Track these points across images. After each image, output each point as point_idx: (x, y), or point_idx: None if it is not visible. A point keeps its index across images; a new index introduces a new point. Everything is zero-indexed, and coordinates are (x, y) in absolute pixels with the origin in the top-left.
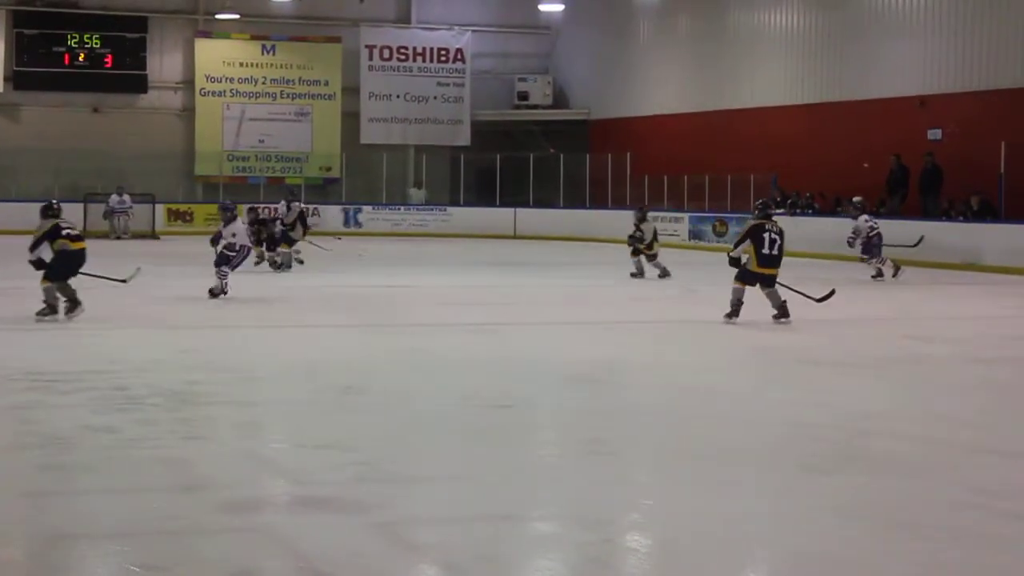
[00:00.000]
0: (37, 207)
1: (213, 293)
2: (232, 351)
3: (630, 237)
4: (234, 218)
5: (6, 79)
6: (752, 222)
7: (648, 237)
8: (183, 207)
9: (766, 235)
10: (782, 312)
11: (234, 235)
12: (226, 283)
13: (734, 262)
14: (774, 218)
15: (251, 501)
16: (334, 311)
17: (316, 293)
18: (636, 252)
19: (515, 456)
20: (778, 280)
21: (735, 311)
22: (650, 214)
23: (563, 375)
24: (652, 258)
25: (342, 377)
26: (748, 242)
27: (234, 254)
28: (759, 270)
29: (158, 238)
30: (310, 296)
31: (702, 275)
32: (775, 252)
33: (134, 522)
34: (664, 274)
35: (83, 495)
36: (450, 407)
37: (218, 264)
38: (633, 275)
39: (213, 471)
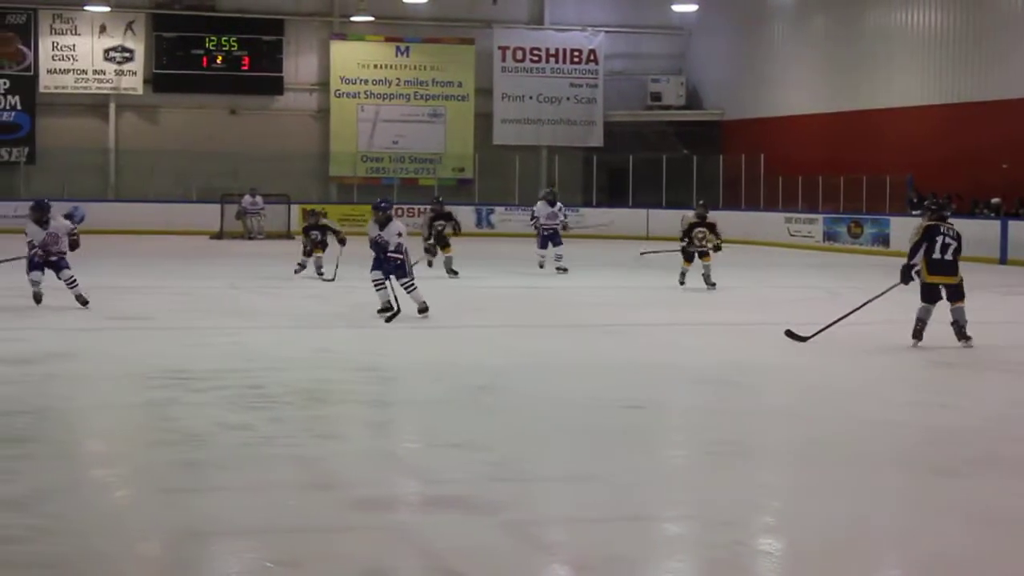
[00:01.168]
0: (174, 208)
1: (386, 311)
2: (366, 350)
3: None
4: (390, 218)
5: (146, 82)
6: (926, 223)
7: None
8: (317, 208)
9: (939, 238)
10: (960, 334)
11: (400, 234)
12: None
13: (908, 272)
14: (949, 220)
15: (384, 500)
16: (465, 312)
17: (447, 294)
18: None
19: (645, 457)
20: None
21: (917, 332)
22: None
23: (692, 376)
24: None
25: (474, 377)
26: (926, 246)
27: (402, 257)
28: (930, 279)
29: (293, 238)
30: (442, 297)
31: (841, 277)
32: (947, 257)
33: (268, 519)
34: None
35: (218, 492)
36: (581, 407)
37: (399, 276)
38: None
39: (346, 470)
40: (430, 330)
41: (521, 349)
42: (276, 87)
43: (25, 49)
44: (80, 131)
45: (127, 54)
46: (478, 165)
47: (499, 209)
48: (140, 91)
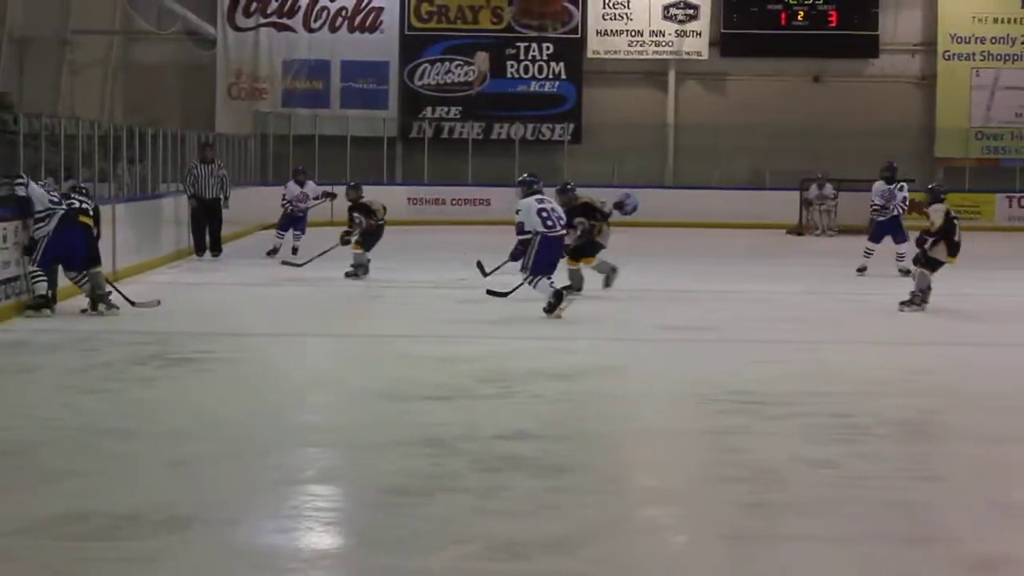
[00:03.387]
0: (743, 195)
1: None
2: (976, 374)
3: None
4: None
5: (712, 44)
6: None
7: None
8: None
9: None
10: None
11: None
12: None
13: None
14: None
15: (998, 558)
16: None
17: None
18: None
19: None
20: None
21: None
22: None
23: None
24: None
25: None
26: None
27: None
28: None
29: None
30: None
31: None
32: None
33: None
34: None
35: (794, 541)
36: None
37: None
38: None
39: (953, 521)
40: None
41: None
42: (870, 48)
43: (572, 7)
44: (632, 104)
45: (690, 11)
46: None
47: None
48: (705, 55)
